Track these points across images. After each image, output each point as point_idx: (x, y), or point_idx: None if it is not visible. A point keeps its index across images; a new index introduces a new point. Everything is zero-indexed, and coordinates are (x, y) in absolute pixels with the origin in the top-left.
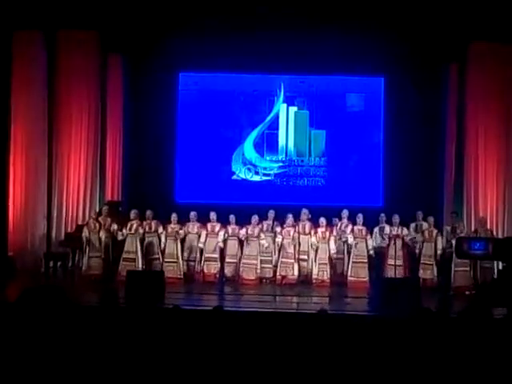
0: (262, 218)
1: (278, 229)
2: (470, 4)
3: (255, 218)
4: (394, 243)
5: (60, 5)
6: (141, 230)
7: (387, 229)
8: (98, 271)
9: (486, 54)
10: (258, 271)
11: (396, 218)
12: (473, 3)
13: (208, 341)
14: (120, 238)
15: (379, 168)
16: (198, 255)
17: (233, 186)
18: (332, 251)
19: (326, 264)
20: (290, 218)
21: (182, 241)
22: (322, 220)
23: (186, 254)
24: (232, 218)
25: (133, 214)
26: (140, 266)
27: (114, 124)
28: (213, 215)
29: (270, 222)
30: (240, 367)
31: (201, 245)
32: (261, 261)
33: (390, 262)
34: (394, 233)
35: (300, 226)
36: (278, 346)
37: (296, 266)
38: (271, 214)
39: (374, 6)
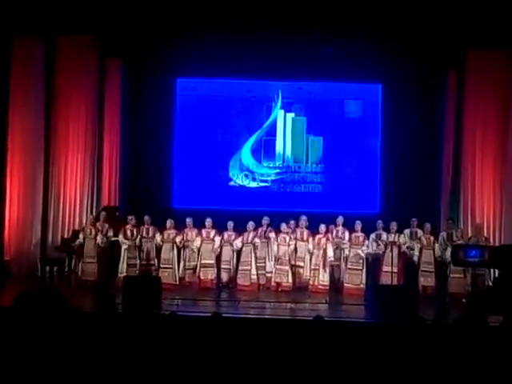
0: (259, 224)
1: (272, 234)
2: (467, 11)
3: (251, 225)
4: (391, 250)
5: (60, 10)
6: (138, 236)
7: (384, 236)
8: (93, 277)
9: (483, 60)
10: (254, 277)
11: (394, 225)
12: (471, 11)
13: (204, 347)
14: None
15: (376, 174)
16: (194, 261)
17: (230, 192)
18: (330, 258)
19: (317, 270)
20: (284, 225)
21: (179, 247)
22: (322, 227)
23: (184, 261)
24: (230, 224)
25: (129, 219)
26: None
27: (112, 129)
28: (208, 221)
29: (265, 228)
30: (236, 374)
31: (194, 248)
32: (257, 267)
33: (386, 268)
34: (391, 240)
35: (298, 232)
36: (274, 352)
37: (291, 273)
38: (265, 220)
39: (372, 12)
